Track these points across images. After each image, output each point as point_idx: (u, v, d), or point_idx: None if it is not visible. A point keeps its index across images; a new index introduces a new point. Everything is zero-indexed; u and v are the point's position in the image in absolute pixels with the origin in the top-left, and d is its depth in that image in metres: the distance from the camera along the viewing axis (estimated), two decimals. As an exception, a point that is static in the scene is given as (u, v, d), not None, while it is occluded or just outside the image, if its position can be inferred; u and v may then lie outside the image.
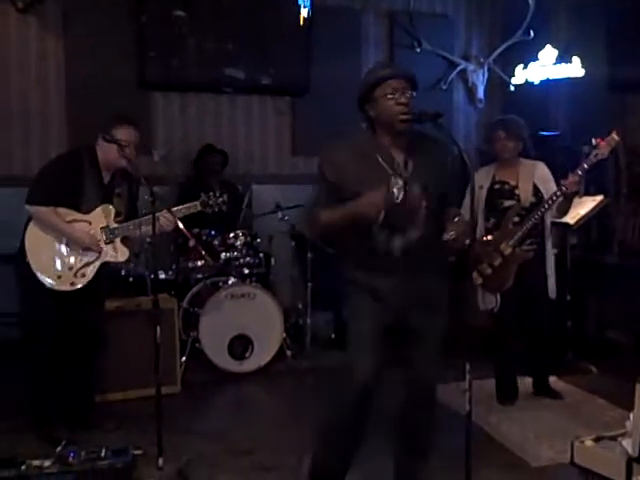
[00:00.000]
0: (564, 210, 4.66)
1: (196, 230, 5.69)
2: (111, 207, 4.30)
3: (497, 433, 4.42)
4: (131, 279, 5.70)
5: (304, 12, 6.76)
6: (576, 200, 4.76)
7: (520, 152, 4.80)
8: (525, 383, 5.07)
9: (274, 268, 6.29)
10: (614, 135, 4.35)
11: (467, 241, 3.06)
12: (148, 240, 4.76)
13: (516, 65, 7.13)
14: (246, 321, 5.52)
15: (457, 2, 7.66)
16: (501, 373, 4.97)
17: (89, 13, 6.27)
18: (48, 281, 4.16)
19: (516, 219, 4.65)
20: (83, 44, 6.29)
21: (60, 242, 4.20)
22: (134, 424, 4.36)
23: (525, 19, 7.05)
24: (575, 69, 6.49)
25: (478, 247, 4.72)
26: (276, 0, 6.78)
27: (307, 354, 5.85)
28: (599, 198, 5.37)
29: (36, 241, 4.19)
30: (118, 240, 4.34)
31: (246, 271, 5.85)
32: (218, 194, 4.52)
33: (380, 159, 3.14)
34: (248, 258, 5.85)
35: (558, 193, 4.48)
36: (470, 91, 7.63)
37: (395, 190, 3.10)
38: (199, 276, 5.91)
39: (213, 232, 5.81)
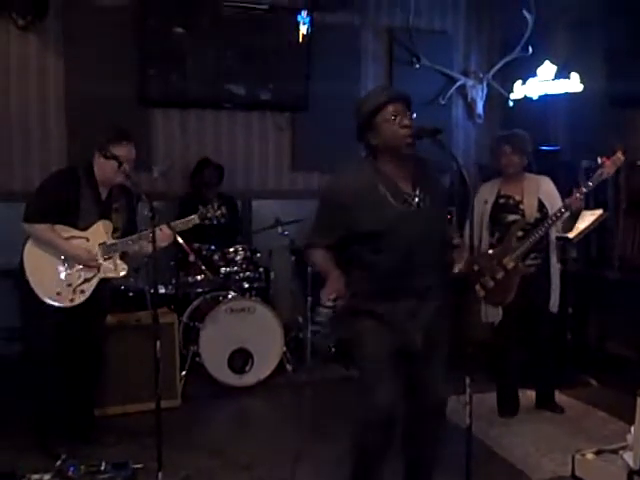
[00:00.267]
0: (569, 227, 4.68)
1: (196, 245, 5.69)
2: (109, 223, 4.30)
3: (498, 446, 4.41)
4: (131, 294, 5.70)
5: (303, 28, 6.80)
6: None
7: (525, 167, 4.82)
8: (527, 396, 5.07)
9: (274, 282, 6.29)
10: (619, 155, 4.39)
11: (476, 268, 3.06)
12: (148, 255, 4.76)
13: (515, 81, 7.15)
14: (246, 335, 5.52)
15: (456, 18, 7.69)
16: (502, 386, 4.97)
17: (89, 30, 6.28)
18: (47, 298, 4.16)
19: (520, 234, 4.66)
20: (83, 61, 6.31)
21: (58, 259, 4.20)
22: (134, 438, 4.35)
23: (524, 35, 7.08)
24: (574, 85, 6.51)
25: (481, 260, 4.73)
26: (276, 16, 6.81)
27: (307, 368, 5.83)
28: (598, 212, 5.37)
29: (35, 258, 4.19)
30: (117, 256, 4.34)
31: (246, 285, 5.85)
32: (216, 206, 4.52)
33: (385, 191, 3.11)
34: (248, 272, 5.85)
35: (563, 210, 4.50)
36: (469, 106, 7.65)
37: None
38: (199, 290, 5.91)
39: (213, 247, 5.82)
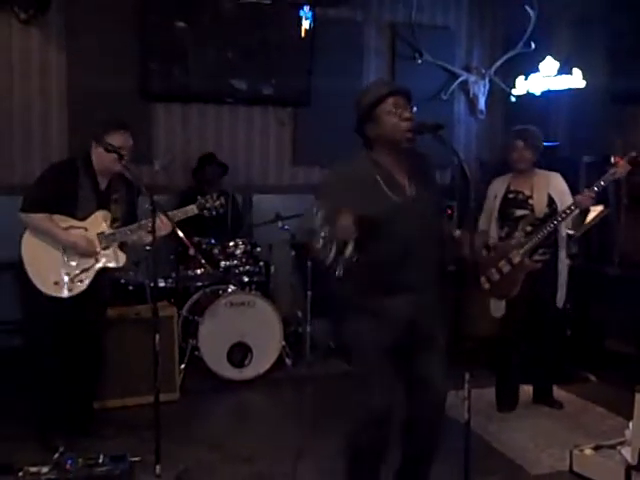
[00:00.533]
0: (578, 224, 4.67)
1: (196, 239, 5.69)
2: (107, 213, 4.31)
3: (497, 441, 4.42)
4: (131, 287, 5.71)
5: (306, 23, 6.79)
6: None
7: (535, 163, 4.83)
8: (525, 391, 5.07)
9: (274, 276, 6.28)
10: (634, 155, 4.41)
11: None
12: (147, 248, 4.76)
13: (517, 76, 7.15)
14: (245, 329, 5.52)
15: (458, 14, 7.68)
16: (502, 380, 4.98)
17: (91, 24, 6.29)
18: (45, 288, 4.16)
19: (529, 229, 4.67)
20: (85, 55, 6.31)
21: (56, 249, 4.20)
22: (133, 431, 4.36)
23: (526, 31, 7.07)
24: (576, 80, 6.51)
25: (489, 253, 4.77)
26: (278, 11, 6.79)
27: (306, 362, 5.83)
28: (599, 208, 5.37)
29: (32, 249, 4.20)
30: (115, 246, 4.35)
31: (246, 279, 5.85)
32: (215, 196, 4.52)
33: (382, 183, 3.10)
34: (248, 266, 5.85)
35: (573, 207, 4.51)
36: (471, 102, 7.64)
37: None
38: (199, 284, 5.92)
39: (213, 240, 5.81)
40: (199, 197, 4.54)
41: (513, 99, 7.36)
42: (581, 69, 6.46)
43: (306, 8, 6.78)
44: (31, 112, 6.32)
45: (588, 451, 3.90)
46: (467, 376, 2.88)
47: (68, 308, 4.21)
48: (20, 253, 4.19)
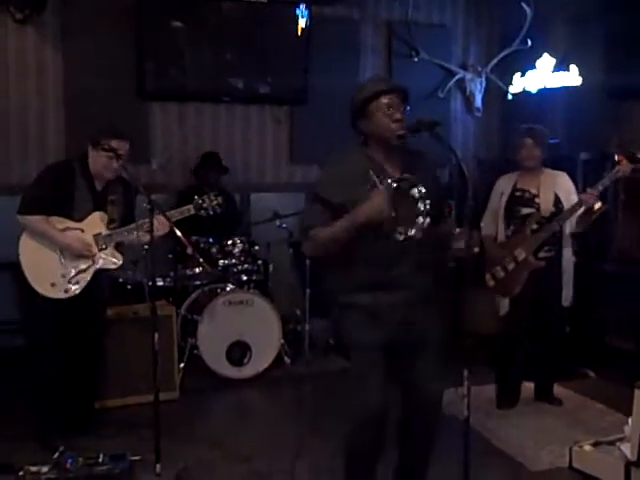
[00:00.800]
0: (584, 223, 4.67)
1: (194, 238, 5.69)
2: (104, 214, 4.31)
3: (496, 438, 4.42)
4: (129, 286, 5.71)
5: (302, 22, 6.79)
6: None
7: (543, 161, 4.84)
8: (524, 388, 5.07)
9: (272, 275, 6.27)
10: (638, 154, 4.42)
11: (476, 249, 3.04)
12: (145, 247, 4.76)
13: (514, 74, 7.16)
14: (244, 327, 5.52)
15: (455, 12, 7.69)
16: (504, 377, 4.99)
17: (87, 24, 6.28)
18: (42, 289, 4.18)
19: (535, 227, 4.68)
20: (81, 55, 6.30)
21: (53, 250, 4.21)
22: (132, 430, 4.36)
23: (523, 28, 7.08)
24: (572, 77, 6.52)
25: (495, 250, 4.80)
26: (274, 10, 6.79)
27: (305, 360, 5.81)
28: (598, 205, 5.38)
29: (29, 250, 4.21)
30: (112, 247, 4.35)
31: (244, 278, 5.86)
32: (212, 196, 4.52)
33: (373, 175, 3.09)
34: (246, 265, 5.86)
35: (577, 205, 4.53)
36: (468, 100, 7.65)
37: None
38: (197, 283, 5.92)
39: (211, 239, 5.82)
40: (196, 197, 4.54)
41: (510, 96, 7.36)
42: (578, 66, 6.48)
43: (302, 6, 6.77)
44: (27, 112, 6.31)
45: (588, 447, 3.90)
46: (466, 373, 2.88)
47: (66, 309, 4.22)
48: (18, 254, 4.19)
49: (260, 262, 6.02)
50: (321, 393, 5.12)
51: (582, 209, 4.54)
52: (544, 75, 6.74)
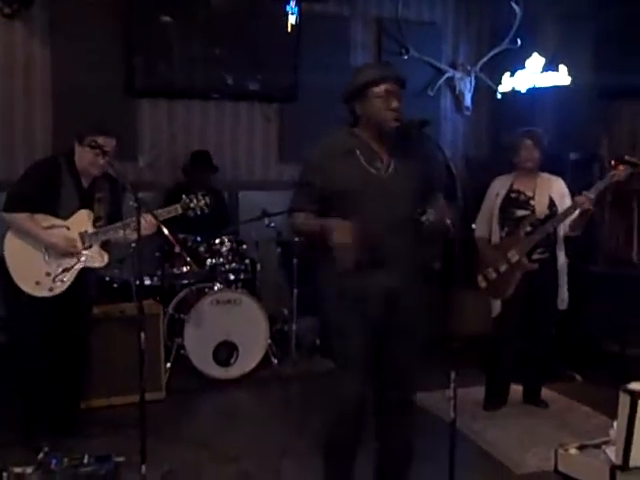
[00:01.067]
0: (577, 226, 4.67)
1: (181, 236, 5.66)
2: (90, 212, 4.29)
3: (482, 440, 4.43)
4: (116, 285, 5.67)
5: (292, 18, 6.76)
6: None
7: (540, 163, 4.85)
8: (513, 391, 5.07)
9: (260, 274, 6.25)
10: (633, 159, 4.43)
11: (448, 221, 3.02)
12: (132, 245, 4.73)
13: (503, 73, 7.16)
14: (231, 327, 5.51)
15: (445, 9, 7.67)
16: (493, 379, 4.99)
17: (76, 19, 6.22)
18: (26, 287, 4.15)
19: (528, 229, 4.69)
20: (69, 50, 6.25)
21: (38, 249, 4.19)
22: (118, 431, 4.34)
23: (512, 27, 7.08)
24: (562, 77, 6.52)
25: (488, 252, 4.81)
26: (264, 6, 6.76)
27: (292, 360, 5.81)
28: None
29: (14, 248, 4.19)
30: (98, 245, 4.33)
31: (232, 277, 5.84)
32: (200, 196, 4.50)
33: (360, 155, 3.14)
34: (234, 264, 5.84)
35: (572, 208, 4.54)
36: (457, 99, 7.64)
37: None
38: (184, 282, 5.90)
39: (199, 238, 5.79)
40: (184, 196, 4.52)
41: (499, 96, 7.36)
42: (567, 66, 6.48)
43: (292, 3, 6.74)
44: (14, 108, 6.25)
45: (573, 451, 3.89)
46: (453, 375, 2.88)
47: (51, 307, 4.19)
48: (2, 252, 4.17)
49: (248, 261, 6.00)
50: (308, 393, 5.11)
51: (577, 212, 4.55)
52: (533, 74, 6.74)
